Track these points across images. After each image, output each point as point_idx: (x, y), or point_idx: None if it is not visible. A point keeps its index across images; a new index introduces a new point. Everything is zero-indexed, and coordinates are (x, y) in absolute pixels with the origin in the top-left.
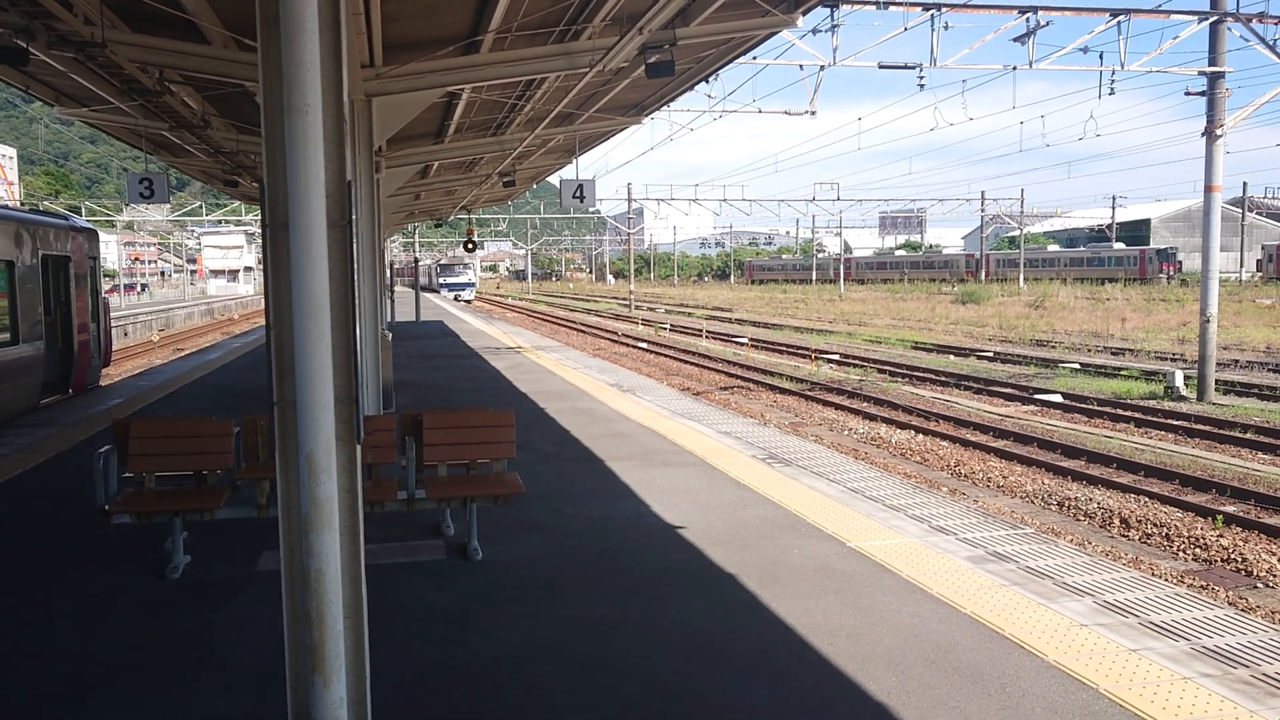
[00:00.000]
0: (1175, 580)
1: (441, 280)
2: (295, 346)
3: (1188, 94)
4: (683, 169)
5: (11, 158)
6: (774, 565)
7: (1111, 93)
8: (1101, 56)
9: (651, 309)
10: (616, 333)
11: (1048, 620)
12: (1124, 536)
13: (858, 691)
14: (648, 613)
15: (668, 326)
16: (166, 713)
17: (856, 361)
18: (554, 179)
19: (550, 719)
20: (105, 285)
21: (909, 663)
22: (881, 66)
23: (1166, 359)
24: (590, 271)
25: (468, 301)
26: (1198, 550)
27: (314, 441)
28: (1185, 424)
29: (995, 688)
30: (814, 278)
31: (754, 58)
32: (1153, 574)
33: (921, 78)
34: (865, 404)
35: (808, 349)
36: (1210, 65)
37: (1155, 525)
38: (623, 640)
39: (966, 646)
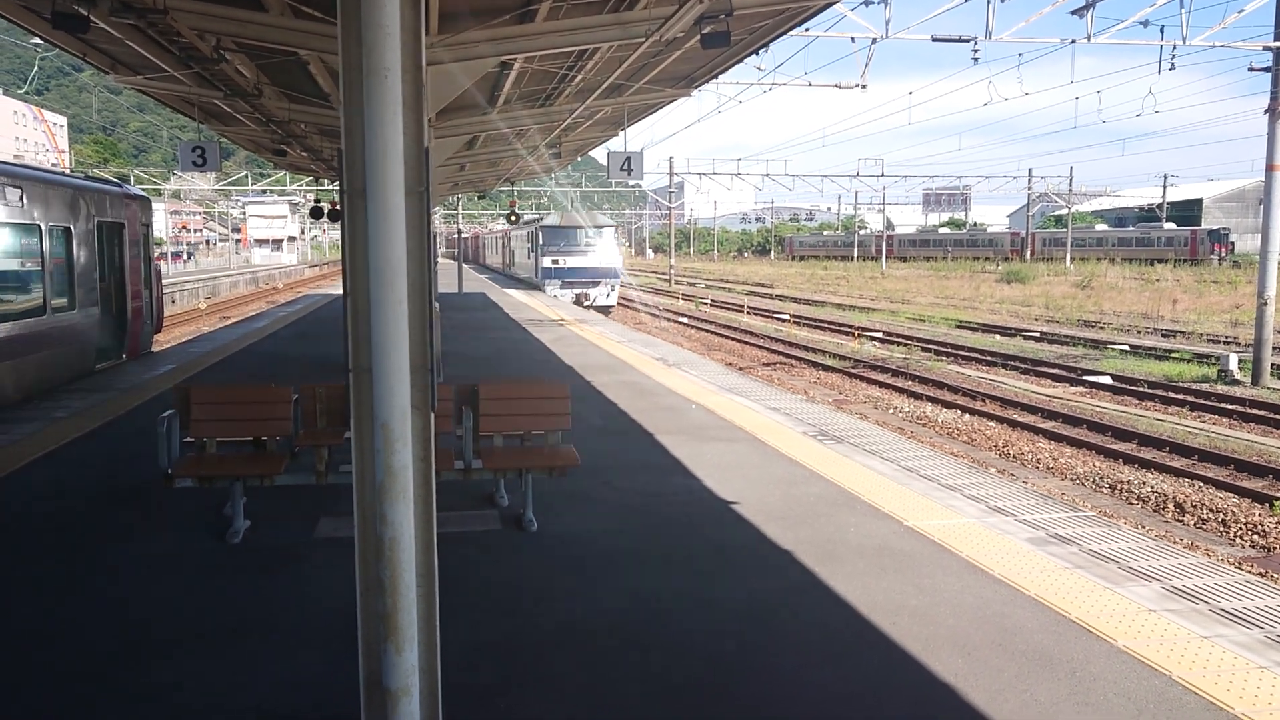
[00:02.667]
0: (1233, 566)
1: (546, 257)
2: (372, 313)
3: (1251, 70)
4: (726, 143)
5: (62, 126)
6: (831, 543)
7: (1172, 68)
8: (1163, 30)
9: (692, 284)
10: (657, 307)
11: (1114, 605)
12: (1178, 521)
13: (924, 672)
14: (706, 588)
15: (708, 302)
16: (235, 675)
17: (900, 340)
18: (597, 152)
19: (614, 692)
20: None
21: (974, 644)
22: (935, 40)
23: (1219, 342)
24: (630, 245)
25: (605, 310)
26: (1255, 536)
27: (389, 409)
28: (1240, 408)
29: (1064, 671)
30: (855, 254)
31: (806, 29)
32: (1209, 558)
33: (976, 51)
34: (910, 383)
35: (850, 326)
36: (1276, 40)
37: (1211, 510)
38: (682, 615)
39: (1033, 629)
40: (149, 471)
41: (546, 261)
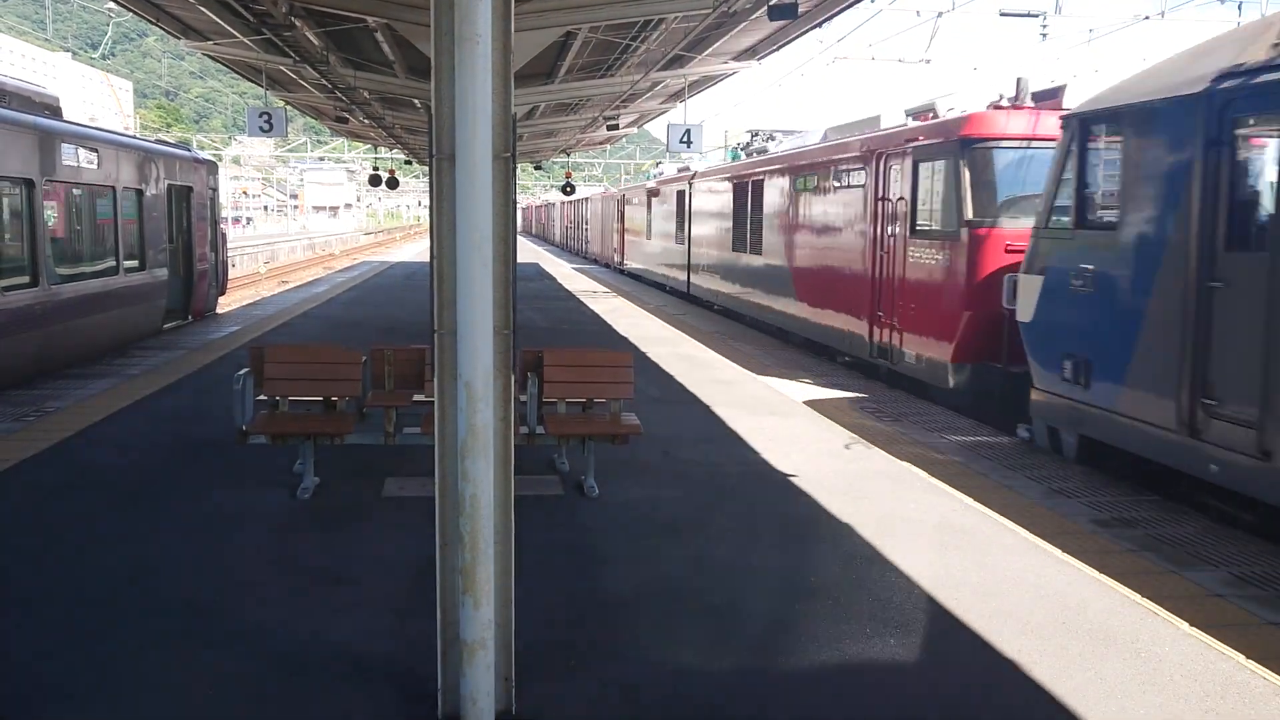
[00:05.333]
0: None
1: None
2: (458, 277)
3: None
4: (784, 116)
5: (127, 90)
6: (890, 517)
7: None
8: (1240, 7)
9: None
10: None
11: (1181, 588)
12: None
13: (988, 647)
14: (768, 557)
15: None
16: (316, 622)
17: None
18: (652, 125)
19: (686, 654)
20: None
21: (1038, 622)
22: (1003, 14)
23: None
24: None
25: None
26: None
27: (473, 370)
28: None
29: (1130, 652)
30: None
31: (871, 0)
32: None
33: (1045, 26)
34: None
35: None
36: None
37: None
38: (746, 583)
39: (1097, 609)
40: (221, 427)
41: None
